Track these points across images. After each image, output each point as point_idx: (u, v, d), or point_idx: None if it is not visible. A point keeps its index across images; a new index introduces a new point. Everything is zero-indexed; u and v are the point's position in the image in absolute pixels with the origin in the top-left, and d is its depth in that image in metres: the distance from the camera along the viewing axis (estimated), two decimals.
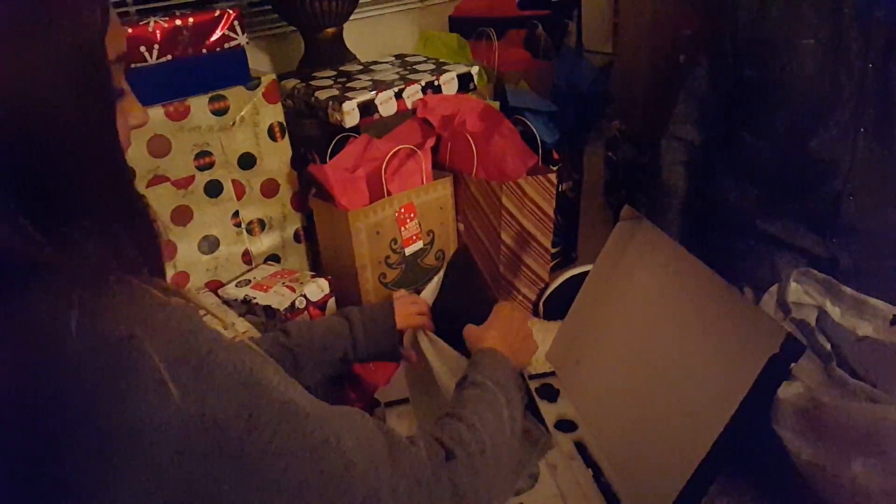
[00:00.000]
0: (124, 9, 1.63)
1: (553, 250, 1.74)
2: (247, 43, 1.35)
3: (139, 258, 0.50)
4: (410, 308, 1.01)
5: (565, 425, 1.14)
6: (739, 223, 1.30)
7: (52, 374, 0.42)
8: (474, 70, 1.63)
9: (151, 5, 1.65)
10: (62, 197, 0.46)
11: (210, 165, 1.35)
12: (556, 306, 1.60)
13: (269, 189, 1.45)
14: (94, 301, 0.43)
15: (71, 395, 0.41)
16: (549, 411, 1.16)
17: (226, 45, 1.31)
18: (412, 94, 1.50)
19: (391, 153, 1.41)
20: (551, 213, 1.57)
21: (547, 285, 1.66)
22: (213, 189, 1.37)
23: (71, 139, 0.46)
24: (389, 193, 1.41)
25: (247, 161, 1.40)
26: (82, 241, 0.46)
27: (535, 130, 1.58)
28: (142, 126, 0.56)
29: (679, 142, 1.36)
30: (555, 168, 1.63)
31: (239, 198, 1.41)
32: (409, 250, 1.45)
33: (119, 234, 0.49)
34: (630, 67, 1.81)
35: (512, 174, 1.50)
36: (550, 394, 1.22)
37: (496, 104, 1.69)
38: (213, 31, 1.29)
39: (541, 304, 1.65)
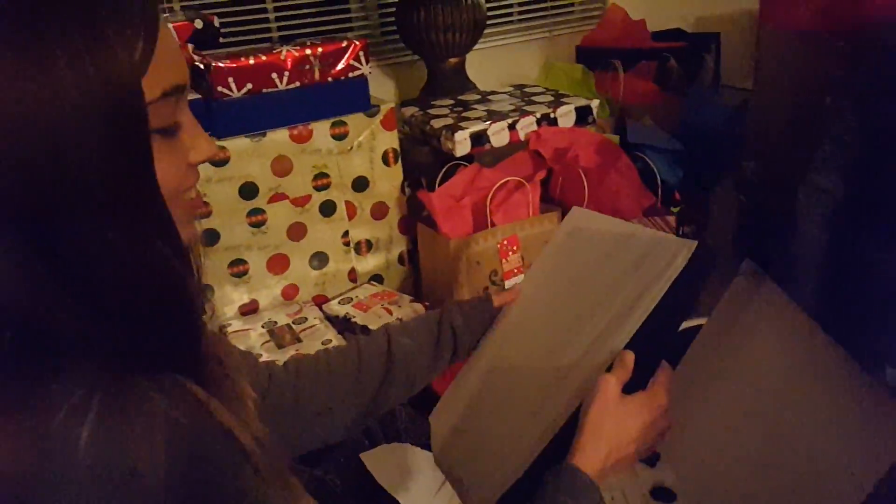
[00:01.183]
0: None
1: None
2: (369, 73, 1.40)
3: (171, 350, 0.45)
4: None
5: (663, 494, 1.06)
6: (888, 293, 1.16)
7: (49, 486, 0.39)
8: (594, 103, 1.59)
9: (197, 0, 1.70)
10: (83, 257, 0.41)
11: (326, 186, 1.42)
12: (676, 356, 1.51)
13: (379, 211, 1.49)
14: (108, 415, 0.40)
15: None
16: (646, 477, 1.09)
17: (350, 74, 1.38)
18: (526, 125, 1.49)
19: (498, 184, 1.40)
20: None
21: None
22: (328, 209, 1.43)
23: (92, 191, 0.40)
24: (493, 224, 1.40)
25: (360, 184, 1.45)
26: (110, 320, 0.42)
27: (655, 168, 1.51)
28: (210, 160, 0.51)
29: (819, 192, 1.24)
30: (675, 209, 1.55)
31: (350, 218, 1.47)
32: (508, 283, 1.43)
33: (151, 316, 0.43)
34: (770, 106, 1.67)
35: (626, 213, 1.44)
36: (649, 456, 1.14)
37: (616, 138, 1.64)
38: (339, 61, 1.36)
39: None
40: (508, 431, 0.74)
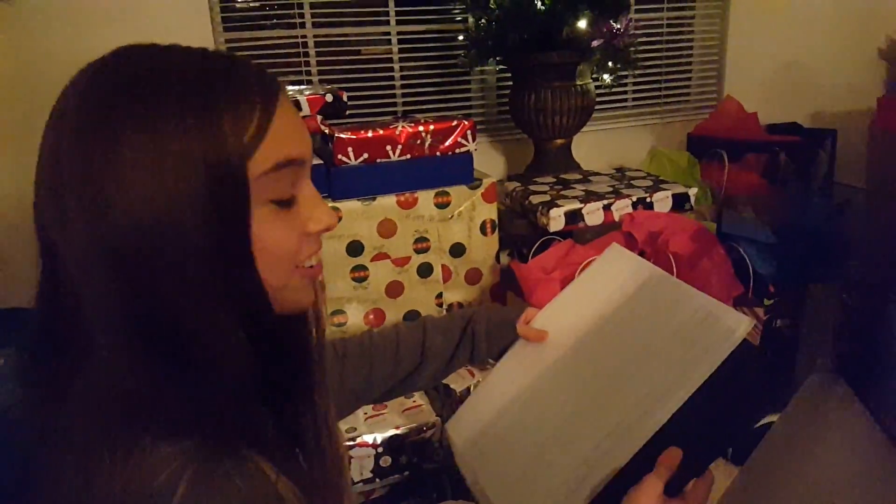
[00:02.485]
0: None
1: None
2: (475, 149, 1.53)
3: (273, 429, 0.49)
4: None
5: None
6: None
7: None
8: (692, 191, 1.62)
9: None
10: (180, 330, 0.46)
11: (426, 250, 1.54)
12: (748, 450, 1.47)
13: (473, 277, 1.59)
14: (202, 482, 0.44)
15: None
16: None
17: (457, 150, 1.51)
18: (621, 207, 1.55)
19: (588, 261, 1.46)
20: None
21: None
22: (425, 270, 1.55)
23: (187, 267, 0.45)
24: None
25: (457, 250, 1.56)
26: (207, 394, 0.47)
27: (747, 260, 1.50)
28: (328, 230, 0.54)
29: None
30: (768, 302, 1.53)
31: (445, 281, 1.57)
32: None
33: (245, 395, 0.48)
34: (878, 207, 1.63)
35: None
36: None
37: (713, 226, 1.65)
38: (448, 137, 1.50)
39: None
40: (546, 472, 0.75)
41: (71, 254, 0.46)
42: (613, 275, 0.86)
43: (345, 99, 1.54)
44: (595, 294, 0.86)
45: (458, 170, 1.52)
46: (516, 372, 0.87)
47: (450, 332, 0.89)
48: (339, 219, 1.45)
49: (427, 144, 1.48)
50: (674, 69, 2.34)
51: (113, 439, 0.45)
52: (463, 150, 1.51)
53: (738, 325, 0.67)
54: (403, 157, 1.46)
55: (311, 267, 0.56)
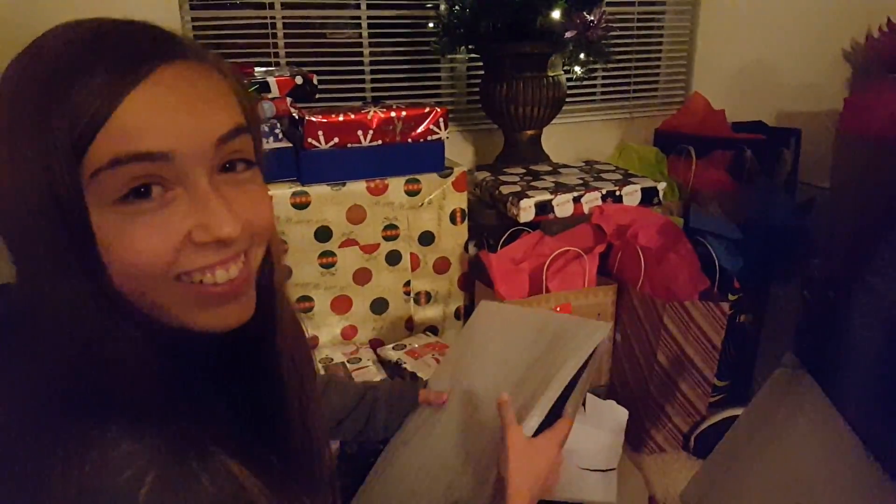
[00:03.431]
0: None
1: (719, 384, 1.62)
2: (447, 137, 1.51)
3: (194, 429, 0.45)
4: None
5: None
6: None
7: None
8: (661, 185, 1.64)
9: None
10: (74, 334, 0.44)
11: (395, 237, 1.52)
12: (710, 444, 1.49)
13: (441, 266, 1.57)
14: (167, 482, 0.42)
15: None
16: None
17: (429, 138, 1.49)
18: (591, 200, 1.55)
19: (557, 252, 1.46)
20: (718, 343, 1.48)
21: (703, 419, 1.55)
22: (394, 258, 1.53)
23: (39, 262, 0.43)
24: (548, 290, 1.45)
25: (427, 238, 1.54)
26: (168, 391, 0.45)
27: (714, 255, 1.52)
28: (222, 241, 0.45)
29: (872, 294, 1.23)
30: (733, 297, 1.55)
31: (413, 269, 1.55)
32: None
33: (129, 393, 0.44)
34: (841, 207, 1.67)
35: (680, 295, 1.46)
36: None
37: (680, 221, 1.67)
38: (420, 125, 1.47)
39: (693, 437, 1.54)
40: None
41: None
42: (492, 325, 0.98)
43: (315, 82, 1.50)
44: (478, 346, 0.97)
45: (430, 157, 1.50)
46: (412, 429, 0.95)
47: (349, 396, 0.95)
48: (309, 203, 1.41)
49: (398, 131, 1.45)
50: (643, 64, 2.35)
51: (68, 435, 0.42)
52: (435, 137, 1.49)
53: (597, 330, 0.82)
54: (374, 143, 1.44)
55: (212, 285, 0.46)
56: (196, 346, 0.49)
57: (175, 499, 0.41)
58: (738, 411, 1.49)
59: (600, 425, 1.33)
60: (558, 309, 1.45)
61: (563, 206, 1.54)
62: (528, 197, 1.52)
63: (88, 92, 0.40)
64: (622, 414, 1.33)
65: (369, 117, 1.42)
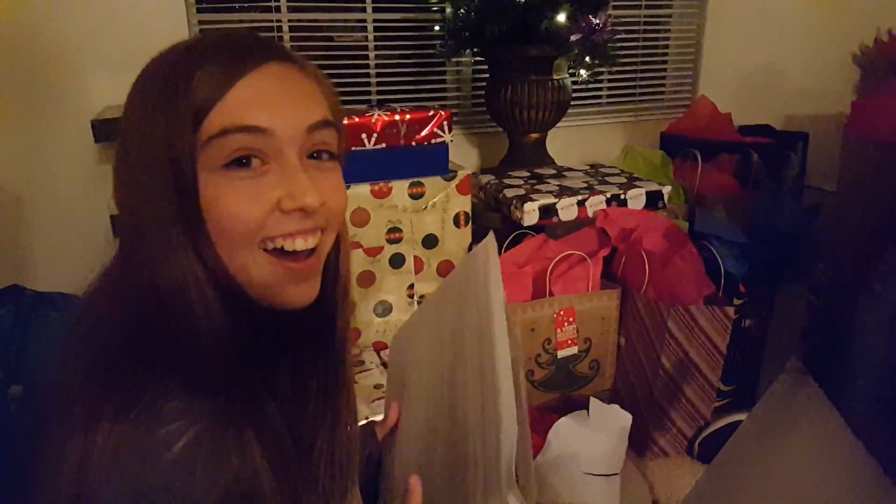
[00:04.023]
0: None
1: (724, 388, 1.61)
2: (451, 140, 1.51)
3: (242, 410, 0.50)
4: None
5: None
6: None
7: (140, 471, 0.46)
8: (666, 189, 1.63)
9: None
10: (162, 290, 0.51)
11: (398, 240, 1.52)
12: (714, 449, 1.47)
13: (445, 269, 1.57)
14: (202, 444, 0.47)
15: None
16: None
17: (433, 141, 1.49)
18: (595, 203, 1.55)
19: (561, 256, 1.45)
20: (723, 347, 1.47)
21: (708, 424, 1.54)
22: (397, 261, 1.53)
23: (159, 223, 0.50)
24: (552, 294, 1.45)
25: (430, 241, 1.54)
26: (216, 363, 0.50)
27: (719, 259, 1.52)
28: (306, 209, 0.53)
29: (880, 301, 1.22)
30: (738, 302, 1.54)
31: (417, 272, 1.55)
32: (561, 353, 1.46)
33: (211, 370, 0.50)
34: (848, 211, 1.66)
35: (684, 299, 1.45)
36: None
37: (686, 225, 1.66)
38: (424, 128, 1.48)
39: (696, 443, 1.53)
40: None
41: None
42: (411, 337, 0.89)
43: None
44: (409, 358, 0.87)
45: (434, 161, 1.50)
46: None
47: None
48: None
49: (403, 134, 1.45)
50: (649, 67, 2.34)
51: (129, 383, 0.47)
52: (439, 140, 1.49)
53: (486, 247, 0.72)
54: (379, 146, 1.44)
55: (290, 252, 0.53)
56: (265, 326, 0.55)
57: (203, 463, 0.46)
58: (743, 416, 1.48)
59: (604, 430, 1.33)
60: (562, 312, 1.45)
61: (567, 209, 1.54)
62: (532, 200, 1.52)
63: (208, 76, 0.50)
64: (626, 418, 1.32)
65: (373, 120, 1.42)
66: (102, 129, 1.42)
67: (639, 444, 1.51)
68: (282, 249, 0.53)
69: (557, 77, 1.79)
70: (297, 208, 0.52)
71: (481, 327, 0.67)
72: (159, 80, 0.51)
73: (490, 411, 0.63)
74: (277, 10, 1.91)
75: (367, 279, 1.52)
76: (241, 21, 1.90)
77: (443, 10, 1.87)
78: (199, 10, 1.84)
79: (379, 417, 0.90)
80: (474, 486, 0.63)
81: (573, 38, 1.66)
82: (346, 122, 1.40)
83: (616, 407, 1.34)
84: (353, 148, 1.43)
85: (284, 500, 0.50)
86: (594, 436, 1.32)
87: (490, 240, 0.73)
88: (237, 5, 1.91)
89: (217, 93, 0.50)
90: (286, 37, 1.94)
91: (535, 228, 1.57)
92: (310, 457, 0.55)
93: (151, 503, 0.45)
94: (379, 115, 1.43)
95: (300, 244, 0.54)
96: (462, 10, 1.75)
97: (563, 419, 1.33)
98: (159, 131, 0.50)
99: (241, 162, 0.51)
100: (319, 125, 0.54)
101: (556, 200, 1.52)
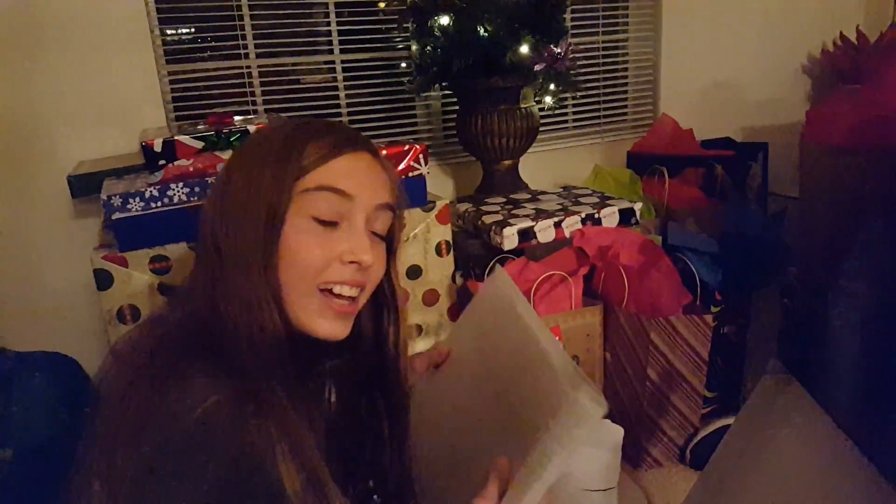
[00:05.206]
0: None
1: (709, 395, 1.65)
2: (428, 172, 1.55)
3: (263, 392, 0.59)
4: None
5: None
6: None
7: (163, 428, 0.55)
8: (637, 206, 1.68)
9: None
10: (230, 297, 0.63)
11: None
12: (706, 455, 1.50)
13: (430, 298, 1.60)
14: (224, 407, 0.56)
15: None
16: None
17: (411, 174, 1.53)
18: (571, 224, 1.59)
19: (543, 276, 1.49)
20: (705, 355, 1.52)
21: (697, 431, 1.57)
22: None
23: (242, 247, 0.63)
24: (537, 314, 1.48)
25: (414, 272, 1.57)
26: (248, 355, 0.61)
27: (694, 270, 1.57)
28: (360, 264, 0.66)
29: (847, 297, 1.27)
30: (715, 309, 1.59)
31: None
32: None
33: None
34: (811, 215, 1.73)
35: (664, 311, 1.49)
36: None
37: (659, 239, 1.71)
38: (401, 161, 1.51)
39: (688, 450, 1.56)
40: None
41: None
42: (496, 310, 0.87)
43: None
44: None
45: (412, 192, 1.53)
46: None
47: None
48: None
49: None
50: (610, 90, 2.43)
51: (160, 368, 0.58)
52: (416, 173, 1.52)
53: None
54: None
55: (339, 296, 0.66)
56: (306, 348, 0.67)
57: (227, 421, 0.55)
58: (730, 420, 1.51)
59: (597, 445, 1.35)
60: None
61: (544, 231, 1.58)
62: (511, 225, 1.56)
63: (318, 148, 0.66)
64: (618, 432, 1.34)
65: None
66: (79, 184, 1.42)
67: (632, 456, 1.54)
68: (331, 291, 0.66)
69: (525, 105, 1.85)
70: (354, 261, 0.66)
71: (525, 347, 0.74)
72: (274, 142, 0.66)
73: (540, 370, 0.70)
74: (246, 56, 1.95)
75: None
76: (213, 69, 1.93)
77: (408, 49, 1.93)
78: (167, 62, 1.87)
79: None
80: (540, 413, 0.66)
81: (537, 67, 1.72)
82: None
83: (607, 422, 1.36)
84: None
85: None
86: (589, 452, 1.34)
87: (500, 272, 0.85)
88: (207, 54, 1.94)
89: (322, 160, 0.65)
90: (255, 82, 1.97)
91: (515, 252, 1.61)
92: (348, 469, 0.67)
93: (175, 453, 0.54)
94: None
95: (346, 291, 0.67)
96: (428, 48, 1.80)
97: None
98: (266, 180, 0.64)
99: (332, 224, 0.66)
100: (385, 206, 0.70)
101: (534, 223, 1.56)
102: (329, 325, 0.66)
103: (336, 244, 0.65)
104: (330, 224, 0.65)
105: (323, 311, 0.66)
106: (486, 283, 0.91)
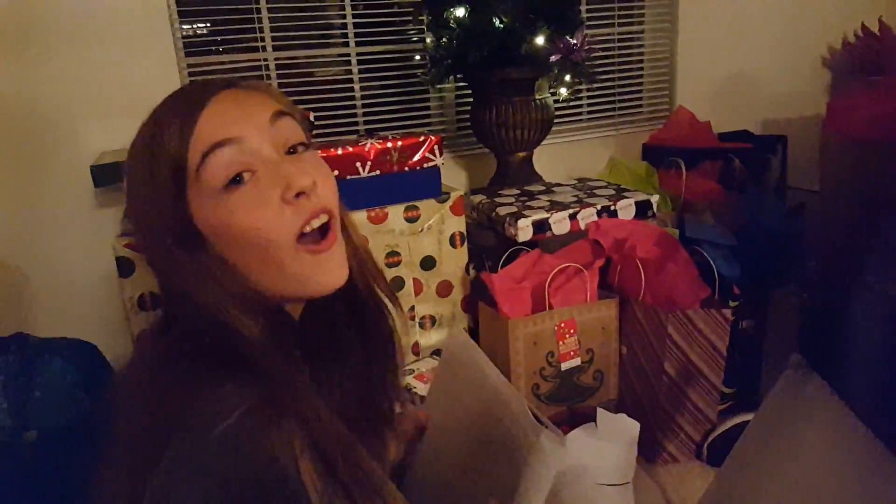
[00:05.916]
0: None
1: (727, 391, 1.63)
2: (442, 164, 1.54)
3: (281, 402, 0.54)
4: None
5: None
6: None
7: (185, 441, 0.51)
8: (654, 198, 1.67)
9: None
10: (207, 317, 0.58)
11: (397, 264, 1.54)
12: (723, 451, 1.49)
13: (444, 289, 1.59)
14: (250, 418, 0.51)
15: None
16: None
17: (425, 165, 1.52)
18: (586, 216, 1.58)
19: (557, 269, 1.48)
20: (723, 349, 1.50)
21: (714, 427, 1.55)
22: (397, 284, 1.55)
23: (163, 239, 0.58)
24: (552, 307, 1.47)
25: (428, 263, 1.56)
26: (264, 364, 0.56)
27: (712, 263, 1.55)
28: (304, 190, 0.58)
29: (871, 292, 1.25)
30: (733, 304, 1.57)
31: (416, 294, 1.57)
32: (565, 365, 1.48)
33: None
34: (832, 208, 1.71)
35: (681, 304, 1.48)
36: None
37: (676, 232, 1.69)
38: (416, 153, 1.51)
39: (705, 446, 1.54)
40: None
41: None
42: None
43: (311, 119, 1.54)
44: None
45: (427, 184, 1.53)
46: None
47: None
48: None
49: (395, 160, 1.48)
50: (626, 82, 2.41)
51: (187, 378, 0.53)
52: (430, 164, 1.52)
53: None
54: (373, 174, 1.47)
55: (309, 235, 0.59)
56: (302, 325, 0.64)
57: (252, 433, 0.51)
58: (748, 417, 1.49)
59: (613, 440, 1.34)
60: (563, 325, 1.47)
61: (559, 223, 1.57)
62: (525, 216, 1.54)
63: (172, 130, 0.57)
64: (633, 427, 1.33)
65: (367, 149, 1.45)
66: (101, 174, 1.44)
67: (648, 451, 1.52)
68: (303, 234, 0.59)
69: (539, 97, 1.84)
70: (296, 193, 0.57)
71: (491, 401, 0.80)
72: (141, 157, 0.59)
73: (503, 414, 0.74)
74: (263, 49, 1.95)
75: None
76: (229, 62, 1.94)
77: (423, 41, 1.92)
78: (187, 54, 1.87)
79: None
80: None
81: (553, 58, 1.71)
82: (340, 152, 1.44)
83: (623, 416, 1.35)
84: (348, 176, 1.45)
85: (328, 491, 0.53)
86: (604, 447, 1.33)
87: (454, 336, 0.88)
88: (224, 47, 1.95)
89: (185, 137, 0.56)
90: (273, 74, 1.97)
91: (529, 244, 1.60)
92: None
93: (199, 472, 0.49)
94: (371, 143, 1.46)
95: (315, 223, 0.59)
96: (444, 39, 1.80)
97: (572, 432, 1.34)
98: (151, 200, 0.57)
99: (235, 180, 0.57)
100: (277, 115, 0.60)
101: (549, 215, 1.55)
102: (328, 273, 0.60)
103: (267, 190, 0.57)
104: (238, 181, 0.56)
105: (311, 264, 0.59)
106: (444, 347, 0.99)
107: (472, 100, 1.95)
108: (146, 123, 0.59)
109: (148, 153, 0.57)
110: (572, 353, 1.49)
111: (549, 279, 1.47)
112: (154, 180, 0.57)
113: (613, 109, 2.38)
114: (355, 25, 2.02)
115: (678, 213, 1.86)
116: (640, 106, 2.44)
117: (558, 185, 1.84)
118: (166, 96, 0.60)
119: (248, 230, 0.56)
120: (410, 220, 1.52)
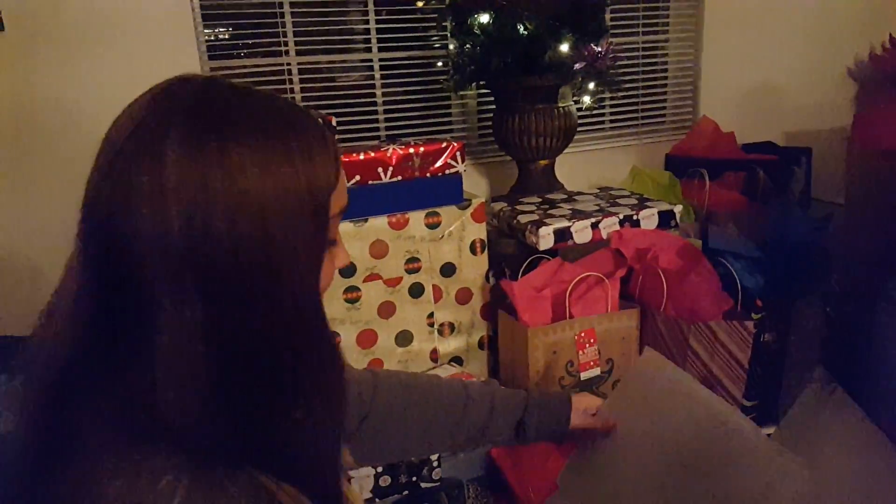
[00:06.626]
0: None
1: (748, 403, 1.61)
2: (464, 170, 1.54)
3: (254, 450, 0.49)
4: (589, 402, 0.99)
5: None
6: None
7: None
8: (677, 208, 1.65)
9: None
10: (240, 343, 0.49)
11: (417, 270, 1.54)
12: None
13: (464, 296, 1.59)
14: (198, 489, 0.46)
15: None
16: None
17: (447, 171, 1.52)
18: (609, 225, 1.57)
19: (578, 278, 1.47)
20: (745, 362, 1.48)
21: None
22: (416, 291, 1.55)
23: (280, 271, 0.49)
24: (572, 316, 1.46)
25: (448, 270, 1.56)
26: (211, 418, 0.47)
27: (735, 274, 1.53)
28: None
29: None
30: (756, 316, 1.55)
31: (436, 301, 1.57)
32: (584, 375, 1.47)
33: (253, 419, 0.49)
34: (858, 221, 1.68)
35: (704, 315, 1.46)
36: None
37: (699, 243, 1.68)
38: (438, 159, 1.51)
39: None
40: None
41: (151, 261, 0.47)
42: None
43: (334, 124, 1.55)
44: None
45: (448, 190, 1.53)
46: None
47: (508, 419, 0.95)
48: None
49: (417, 166, 1.49)
50: (650, 91, 2.39)
51: (109, 449, 0.46)
52: (452, 171, 1.52)
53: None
54: (394, 179, 1.47)
55: None
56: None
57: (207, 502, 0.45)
58: (770, 430, 1.48)
59: None
60: (583, 334, 1.46)
61: (581, 232, 1.56)
62: (547, 225, 1.54)
63: (330, 155, 0.53)
64: None
65: (388, 154, 1.46)
66: None
67: None
68: None
69: (563, 105, 1.84)
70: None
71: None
72: (289, 183, 0.49)
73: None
74: (286, 53, 1.97)
75: (388, 309, 1.54)
76: (252, 66, 1.96)
77: (446, 47, 1.93)
78: (210, 58, 1.90)
79: None
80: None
81: (577, 66, 1.71)
82: (362, 157, 1.45)
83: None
84: (370, 181, 1.46)
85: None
86: None
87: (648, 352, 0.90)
88: (247, 51, 1.97)
89: (332, 184, 0.53)
90: (295, 79, 1.99)
91: (550, 252, 1.59)
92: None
93: None
94: (394, 149, 1.46)
95: None
96: (467, 46, 1.80)
97: None
98: (301, 191, 0.50)
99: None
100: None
101: (571, 224, 1.55)
102: None
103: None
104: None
105: None
106: (637, 364, 1.02)
107: (494, 107, 1.95)
108: (282, 139, 0.50)
109: (303, 181, 0.50)
110: (592, 363, 1.48)
111: (569, 288, 1.47)
112: (317, 218, 0.51)
113: (637, 118, 2.37)
114: (378, 31, 2.03)
115: (701, 223, 1.84)
116: (664, 115, 2.43)
117: (580, 193, 1.83)
118: (290, 109, 0.53)
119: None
120: (431, 227, 1.52)
